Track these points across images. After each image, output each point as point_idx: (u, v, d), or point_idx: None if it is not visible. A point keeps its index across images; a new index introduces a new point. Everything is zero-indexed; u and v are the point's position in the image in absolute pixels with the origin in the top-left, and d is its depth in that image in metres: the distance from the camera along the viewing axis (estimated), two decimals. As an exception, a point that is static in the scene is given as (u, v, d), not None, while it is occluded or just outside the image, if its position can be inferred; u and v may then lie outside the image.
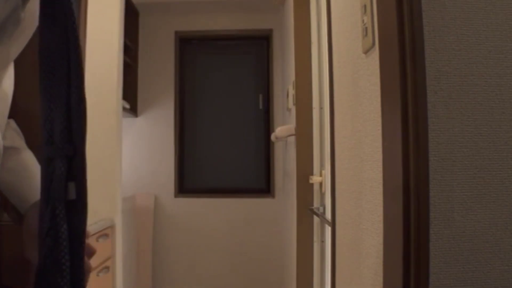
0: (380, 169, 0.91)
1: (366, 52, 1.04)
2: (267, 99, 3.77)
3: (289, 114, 2.99)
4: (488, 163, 0.75)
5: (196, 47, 3.86)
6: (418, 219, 0.74)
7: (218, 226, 3.65)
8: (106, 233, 2.27)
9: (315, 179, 2.26)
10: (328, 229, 2.03)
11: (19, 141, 0.80)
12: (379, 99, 0.92)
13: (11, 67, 0.72)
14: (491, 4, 0.76)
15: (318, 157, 2.35)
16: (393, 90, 0.80)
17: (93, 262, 2.31)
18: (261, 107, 3.78)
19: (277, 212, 3.63)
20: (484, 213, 0.74)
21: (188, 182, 3.77)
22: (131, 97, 3.55)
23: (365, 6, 1.02)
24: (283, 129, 2.68)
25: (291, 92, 2.72)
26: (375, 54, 0.96)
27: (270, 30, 3.76)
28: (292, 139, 2.70)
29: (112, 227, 2.37)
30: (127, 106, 3.28)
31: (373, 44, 0.98)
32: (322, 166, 2.31)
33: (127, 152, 3.63)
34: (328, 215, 1.83)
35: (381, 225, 0.90)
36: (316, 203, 2.35)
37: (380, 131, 0.91)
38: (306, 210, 2.38)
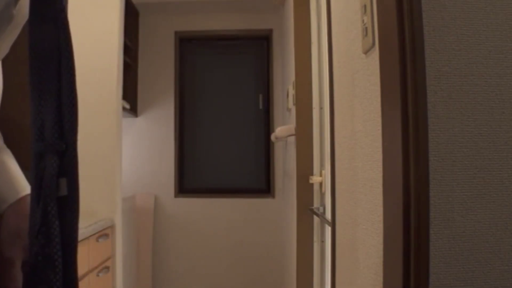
0: (380, 169, 0.91)
1: (366, 52, 1.04)
2: (267, 99, 3.77)
3: (289, 114, 2.99)
4: (488, 163, 0.75)
5: (196, 47, 3.86)
6: (418, 219, 0.74)
7: (218, 226, 3.65)
8: (106, 233, 2.27)
9: (315, 179, 2.26)
10: (328, 229, 2.03)
11: None
12: (379, 99, 0.92)
13: None
14: (491, 4, 0.76)
15: (318, 157, 2.35)
16: (393, 90, 0.80)
17: (93, 262, 2.30)
18: (261, 107, 3.78)
19: (277, 212, 3.63)
20: (484, 213, 0.74)
21: (188, 182, 3.77)
22: (131, 97, 3.55)
23: (365, 6, 1.02)
24: (283, 129, 2.68)
25: (291, 92, 2.72)
26: (375, 54, 0.96)
27: (270, 30, 3.76)
28: (292, 139, 2.70)
29: (112, 227, 2.37)
30: (127, 106, 3.28)
31: (373, 44, 0.98)
32: (322, 166, 2.31)
33: (127, 152, 3.63)
34: (328, 215, 1.83)
35: (381, 225, 0.90)
36: (316, 203, 2.35)
37: (380, 131, 0.91)
38: (306, 210, 2.38)
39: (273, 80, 3.74)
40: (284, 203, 3.41)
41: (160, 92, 3.75)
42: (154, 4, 3.71)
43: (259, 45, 3.83)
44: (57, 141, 0.59)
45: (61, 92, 0.59)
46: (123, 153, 2.75)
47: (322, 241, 2.29)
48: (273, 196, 3.68)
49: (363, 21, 1.04)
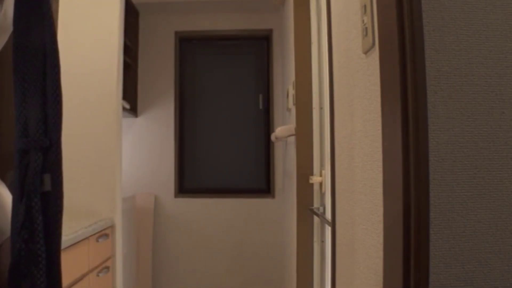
0: (380, 169, 0.91)
1: (366, 52, 1.04)
2: (267, 99, 3.77)
3: (289, 114, 2.99)
4: (488, 163, 0.75)
5: (196, 47, 3.86)
6: (418, 219, 0.74)
7: (218, 226, 3.65)
8: (106, 233, 2.27)
9: (315, 179, 2.26)
10: (328, 229, 2.03)
11: None
12: (379, 99, 0.92)
13: None
14: (491, 4, 0.76)
15: (318, 157, 2.35)
16: (393, 90, 0.80)
17: (93, 262, 2.30)
18: (261, 107, 3.78)
19: (277, 212, 3.63)
20: (484, 213, 0.74)
21: (188, 182, 3.77)
22: (131, 97, 3.55)
23: (365, 6, 1.02)
24: (283, 129, 2.68)
25: (291, 92, 2.72)
26: (375, 54, 0.96)
27: (270, 30, 3.76)
28: (292, 139, 2.70)
29: (112, 227, 2.37)
30: (127, 106, 3.28)
31: (373, 44, 0.98)
32: (322, 166, 2.31)
33: (127, 152, 3.63)
34: (328, 215, 1.83)
35: (381, 225, 0.90)
36: (316, 203, 2.35)
37: (380, 131, 0.91)
38: (306, 210, 2.38)
39: (273, 80, 3.74)
40: (284, 203, 3.41)
41: (160, 92, 3.75)
42: (154, 4, 3.71)
43: (259, 45, 3.83)
44: (41, 137, 0.59)
45: (46, 89, 0.59)
46: (123, 153, 2.75)
47: (322, 241, 2.29)
48: (273, 196, 3.68)
49: (363, 21, 1.04)
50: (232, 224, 3.65)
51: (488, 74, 0.76)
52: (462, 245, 0.74)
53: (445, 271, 0.74)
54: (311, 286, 2.37)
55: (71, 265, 1.81)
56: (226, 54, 3.84)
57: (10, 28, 0.64)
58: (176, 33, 3.79)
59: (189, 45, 3.85)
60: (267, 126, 3.76)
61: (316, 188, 2.35)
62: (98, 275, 2.13)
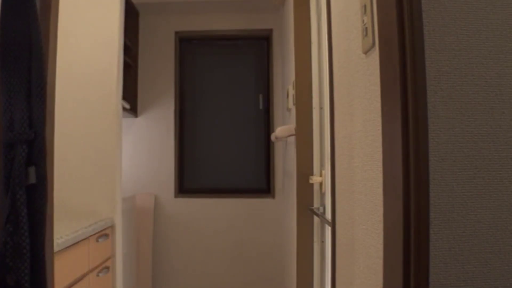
0: (380, 169, 0.91)
1: (366, 52, 1.04)
2: (267, 99, 3.77)
3: (289, 114, 2.99)
4: (488, 163, 0.75)
5: (196, 47, 3.86)
6: (418, 219, 0.74)
7: (218, 226, 3.65)
8: (106, 233, 2.27)
9: (315, 179, 2.26)
10: (328, 229, 2.03)
11: None
12: (379, 99, 0.92)
13: None
14: (491, 4, 0.76)
15: (318, 157, 2.35)
16: (393, 90, 0.80)
17: (93, 262, 2.30)
18: (261, 107, 3.79)
19: (277, 212, 3.63)
20: (484, 213, 0.74)
21: (188, 182, 3.77)
22: (131, 97, 3.55)
23: (365, 6, 1.02)
24: (283, 129, 2.68)
25: (291, 92, 2.72)
26: (375, 54, 0.96)
27: (270, 30, 3.76)
28: (292, 139, 2.70)
29: (112, 227, 2.37)
30: (127, 106, 3.28)
31: (373, 44, 0.98)
32: (322, 166, 2.31)
33: (127, 152, 3.64)
34: (328, 215, 1.83)
35: (381, 225, 0.90)
36: (316, 203, 2.35)
37: (380, 131, 0.91)
38: (306, 210, 2.38)
39: (273, 80, 3.74)
40: (284, 203, 3.41)
41: (160, 92, 3.75)
42: (154, 4, 3.71)
43: (259, 45, 3.83)
44: (26, 130, 0.60)
45: (31, 84, 0.60)
46: (123, 153, 2.75)
47: (322, 241, 2.29)
48: (273, 196, 3.68)
49: (363, 21, 1.04)
50: (232, 224, 3.65)
51: (488, 74, 0.76)
52: (462, 245, 0.74)
53: (445, 271, 0.74)
54: (311, 286, 2.37)
55: (71, 265, 1.81)
56: (226, 54, 3.85)
57: None
58: (176, 33, 3.79)
59: (189, 45, 3.85)
60: (267, 126, 3.76)
61: (316, 188, 2.35)
62: (98, 275, 2.13)
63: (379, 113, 0.91)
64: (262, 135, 3.76)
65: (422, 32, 0.76)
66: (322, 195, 2.26)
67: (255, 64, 3.83)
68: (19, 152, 0.59)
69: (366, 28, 1.02)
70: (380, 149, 0.91)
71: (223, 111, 3.79)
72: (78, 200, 2.35)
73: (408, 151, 0.75)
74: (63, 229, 1.90)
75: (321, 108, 2.34)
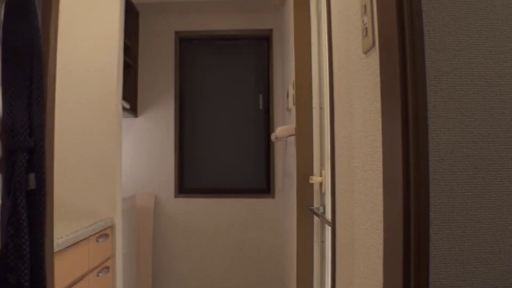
0: (380, 169, 0.91)
1: (366, 52, 1.04)
2: (267, 99, 3.77)
3: (289, 114, 2.99)
4: (488, 163, 0.75)
5: (196, 47, 3.86)
6: (418, 219, 0.74)
7: (218, 226, 3.65)
8: (106, 233, 2.27)
9: (315, 179, 2.26)
10: (328, 229, 2.03)
11: None
12: (379, 99, 0.92)
13: None
14: (491, 4, 0.76)
15: (318, 157, 2.35)
16: (393, 90, 0.80)
17: (93, 262, 2.30)
18: (261, 107, 3.78)
19: (277, 212, 3.63)
20: (484, 213, 0.74)
21: (188, 182, 3.77)
22: (131, 97, 3.55)
23: (365, 6, 1.02)
24: (283, 129, 2.68)
25: (291, 92, 2.72)
26: (375, 54, 0.96)
27: (270, 30, 3.76)
28: (292, 139, 2.70)
29: (112, 227, 2.37)
30: (127, 106, 3.28)
31: (373, 44, 0.98)
32: (322, 166, 2.31)
33: (127, 152, 3.63)
34: (328, 215, 1.83)
35: (381, 225, 0.90)
36: (316, 203, 2.35)
37: (380, 131, 0.91)
38: (306, 210, 2.38)
39: (273, 80, 3.74)
40: (284, 203, 3.41)
41: (160, 92, 3.75)
42: (154, 4, 3.71)
43: (259, 45, 3.83)
44: (27, 138, 0.63)
45: (32, 91, 0.62)
46: (123, 153, 2.75)
47: (322, 241, 2.29)
48: (273, 196, 3.68)
49: (363, 21, 1.04)
50: (232, 224, 3.65)
51: (488, 74, 0.76)
52: (462, 245, 0.74)
53: (445, 271, 0.74)
54: (311, 286, 2.37)
55: (71, 265, 1.81)
56: (226, 54, 3.84)
57: None
58: (176, 33, 3.79)
59: (189, 45, 3.85)
60: (267, 126, 3.76)
61: (316, 188, 2.35)
62: (98, 275, 2.12)
63: (379, 113, 0.91)
64: (262, 135, 3.76)
65: (422, 32, 0.76)
66: (322, 195, 2.26)
67: (255, 64, 3.83)
68: (20, 159, 0.62)
69: (366, 28, 1.02)
70: (380, 149, 0.91)
71: (223, 111, 3.78)
72: (78, 200, 2.35)
73: (408, 151, 0.75)
74: (63, 229, 1.90)
75: (321, 108, 2.34)
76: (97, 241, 2.12)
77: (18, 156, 0.61)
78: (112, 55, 2.43)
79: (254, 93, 3.80)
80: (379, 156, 0.92)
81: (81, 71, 2.41)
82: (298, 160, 2.40)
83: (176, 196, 3.70)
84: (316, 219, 2.35)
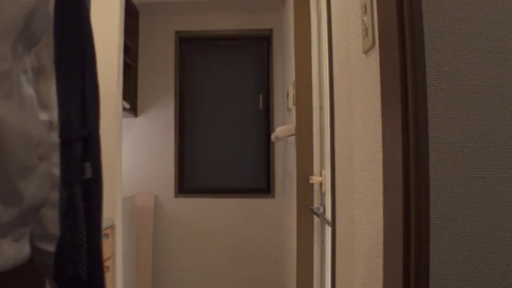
0: (380, 169, 0.91)
1: (366, 52, 1.04)
2: (267, 99, 3.77)
3: (289, 114, 2.99)
4: (488, 163, 0.75)
5: (196, 47, 3.86)
6: (418, 219, 0.74)
7: (218, 226, 3.65)
8: (106, 233, 2.27)
9: (315, 179, 2.26)
10: (328, 229, 2.03)
11: None
12: (379, 99, 0.92)
13: None
14: (491, 4, 0.76)
15: (318, 157, 2.35)
16: (393, 90, 0.80)
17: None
18: (261, 107, 3.78)
19: (277, 212, 3.63)
20: (484, 213, 0.74)
21: (188, 182, 3.77)
22: (131, 97, 3.55)
23: (365, 6, 1.02)
24: (283, 129, 2.68)
25: (291, 92, 2.72)
26: (375, 54, 0.96)
27: (270, 30, 3.76)
28: (292, 139, 2.70)
29: (112, 227, 2.37)
30: (127, 106, 3.28)
31: (373, 44, 0.98)
32: (322, 166, 2.31)
33: (127, 152, 3.63)
34: (328, 215, 1.83)
35: (381, 225, 0.90)
36: (316, 203, 2.35)
37: (380, 131, 0.91)
38: (306, 210, 2.38)
39: (273, 80, 3.74)
40: (284, 203, 3.41)
41: (160, 92, 3.75)
42: (154, 4, 3.71)
43: (259, 45, 3.83)
44: (81, 127, 0.62)
45: (84, 81, 0.62)
46: (123, 153, 2.75)
47: (322, 241, 2.29)
48: (273, 196, 3.68)
49: (363, 21, 1.04)
50: (232, 224, 3.65)
51: (488, 74, 0.76)
52: (462, 245, 0.74)
53: (445, 271, 0.74)
54: (311, 286, 2.37)
55: (71, 265, 1.81)
56: (226, 54, 3.84)
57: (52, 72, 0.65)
58: (176, 33, 3.79)
59: (189, 45, 3.85)
60: (267, 126, 3.75)
61: (316, 188, 2.35)
62: (98, 275, 2.12)
63: (379, 113, 0.91)
64: (262, 135, 3.76)
65: (423, 31, 0.76)
66: (322, 195, 2.26)
67: (255, 64, 3.83)
68: (75, 149, 0.62)
69: (366, 28, 1.02)
70: (380, 149, 0.91)
71: (223, 111, 3.78)
72: (78, 200, 2.35)
73: (408, 151, 0.75)
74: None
75: (321, 108, 2.34)
76: (97, 241, 2.12)
77: (73, 147, 0.61)
78: (112, 55, 2.43)
79: (254, 93, 3.80)
80: (379, 156, 0.92)
81: (81, 71, 2.41)
82: (298, 160, 2.40)
83: (176, 196, 3.70)
84: (316, 219, 2.35)
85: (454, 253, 0.74)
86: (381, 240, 0.90)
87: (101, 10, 2.44)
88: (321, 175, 2.29)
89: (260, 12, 3.74)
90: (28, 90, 0.57)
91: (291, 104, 2.77)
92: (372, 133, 0.99)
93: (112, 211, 2.38)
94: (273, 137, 2.96)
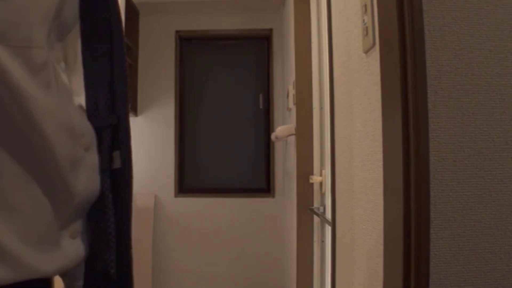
0: (380, 169, 0.91)
1: (366, 51, 1.04)
2: (267, 99, 3.77)
3: (289, 114, 2.99)
4: (488, 163, 0.75)
5: (196, 47, 3.86)
6: (418, 219, 0.73)
7: (218, 225, 3.65)
8: (106, 232, 2.26)
9: (315, 179, 2.26)
10: (328, 229, 2.03)
11: None
12: (379, 99, 0.92)
13: None
14: (492, 4, 0.76)
15: (318, 157, 2.35)
16: (393, 90, 0.80)
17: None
18: (261, 107, 3.78)
19: (277, 212, 3.63)
20: (484, 213, 0.74)
21: (188, 182, 3.77)
22: (131, 97, 3.55)
23: (365, 6, 1.02)
24: (283, 129, 2.68)
25: (291, 92, 2.72)
26: (376, 53, 0.96)
27: (270, 30, 3.76)
28: (292, 139, 2.70)
29: (112, 226, 2.37)
30: (127, 105, 3.27)
31: (374, 43, 0.98)
32: (322, 166, 2.31)
33: (127, 152, 3.62)
34: (328, 215, 1.83)
35: (381, 225, 0.90)
36: (316, 203, 2.35)
37: (380, 131, 0.91)
38: (306, 210, 2.38)
39: (273, 80, 3.74)
40: (284, 202, 3.41)
41: (160, 92, 3.75)
42: (154, 4, 3.71)
43: (259, 45, 3.83)
44: (110, 115, 0.60)
45: (113, 68, 0.60)
46: (123, 153, 2.75)
47: (322, 241, 2.29)
48: (273, 196, 3.68)
49: (363, 20, 1.04)
50: (232, 223, 3.65)
51: (488, 73, 0.76)
52: (462, 245, 0.74)
53: (445, 271, 0.74)
54: (311, 286, 2.37)
55: (71, 265, 1.81)
56: (226, 54, 3.84)
57: (81, 70, 0.63)
58: (177, 32, 3.79)
59: (189, 45, 3.85)
60: (267, 126, 3.75)
61: (316, 188, 2.35)
62: (98, 275, 2.12)
63: (379, 113, 0.91)
64: (262, 135, 3.76)
65: (423, 31, 0.76)
66: (322, 195, 2.26)
67: (255, 64, 3.83)
68: (104, 137, 0.59)
69: (367, 27, 1.02)
70: (380, 149, 0.91)
71: (223, 111, 3.78)
72: (78, 200, 2.35)
73: (409, 151, 0.75)
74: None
75: (321, 108, 2.33)
76: (97, 240, 2.12)
77: (102, 135, 0.58)
78: (112, 55, 2.43)
79: (254, 93, 3.80)
80: (379, 155, 0.92)
81: (81, 70, 2.41)
82: (298, 160, 2.40)
83: (176, 195, 3.70)
84: (316, 219, 2.35)
85: (454, 253, 0.74)
86: (381, 240, 0.90)
87: (101, 9, 2.44)
88: (321, 175, 2.29)
89: (260, 12, 3.74)
90: (65, 79, 0.55)
91: (291, 104, 2.77)
92: (372, 133, 0.99)
93: (112, 211, 2.38)
94: (273, 136, 2.96)
